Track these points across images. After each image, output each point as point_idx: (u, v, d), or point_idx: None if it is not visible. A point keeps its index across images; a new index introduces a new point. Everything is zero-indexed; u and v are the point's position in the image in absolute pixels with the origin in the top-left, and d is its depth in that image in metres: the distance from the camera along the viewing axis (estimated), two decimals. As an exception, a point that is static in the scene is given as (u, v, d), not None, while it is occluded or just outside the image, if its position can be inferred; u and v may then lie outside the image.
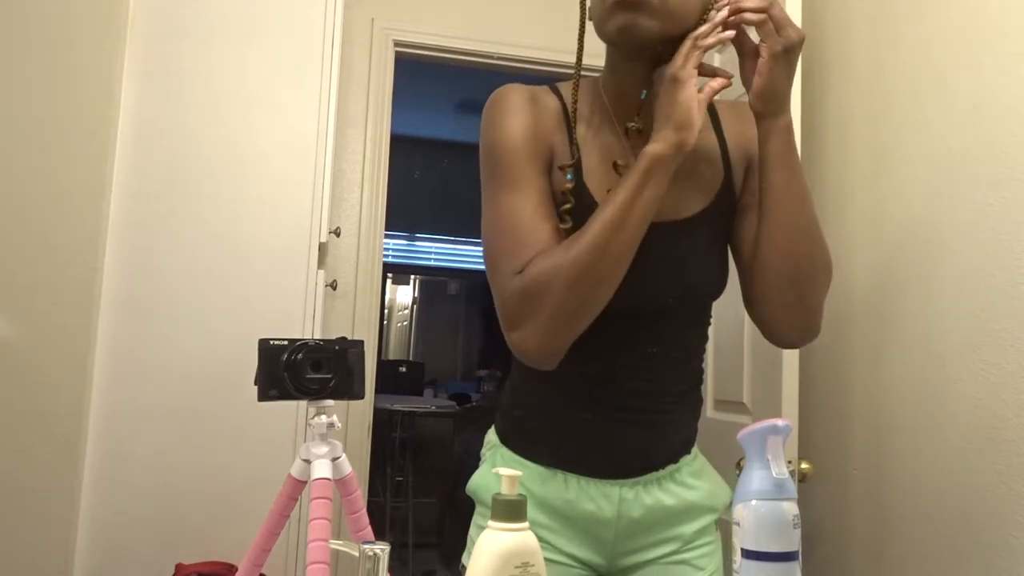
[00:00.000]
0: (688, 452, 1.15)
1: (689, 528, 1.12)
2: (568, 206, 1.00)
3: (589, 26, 1.08)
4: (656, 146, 0.93)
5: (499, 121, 1.03)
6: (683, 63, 0.94)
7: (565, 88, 1.10)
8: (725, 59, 1.87)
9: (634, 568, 1.12)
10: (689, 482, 1.13)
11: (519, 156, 1.01)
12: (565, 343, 0.95)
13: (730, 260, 1.12)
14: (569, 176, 1.01)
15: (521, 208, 0.99)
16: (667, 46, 0.97)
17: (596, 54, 1.13)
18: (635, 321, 1.04)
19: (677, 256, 1.04)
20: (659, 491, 1.11)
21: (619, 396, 1.07)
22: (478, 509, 1.15)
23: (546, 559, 1.05)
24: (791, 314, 1.02)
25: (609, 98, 1.08)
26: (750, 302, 1.06)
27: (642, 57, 1.01)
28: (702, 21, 0.97)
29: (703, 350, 1.16)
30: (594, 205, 0.98)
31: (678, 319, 1.08)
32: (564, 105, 1.07)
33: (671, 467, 1.12)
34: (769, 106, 0.99)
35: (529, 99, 1.06)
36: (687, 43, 0.95)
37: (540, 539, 1.05)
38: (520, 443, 1.13)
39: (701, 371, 1.17)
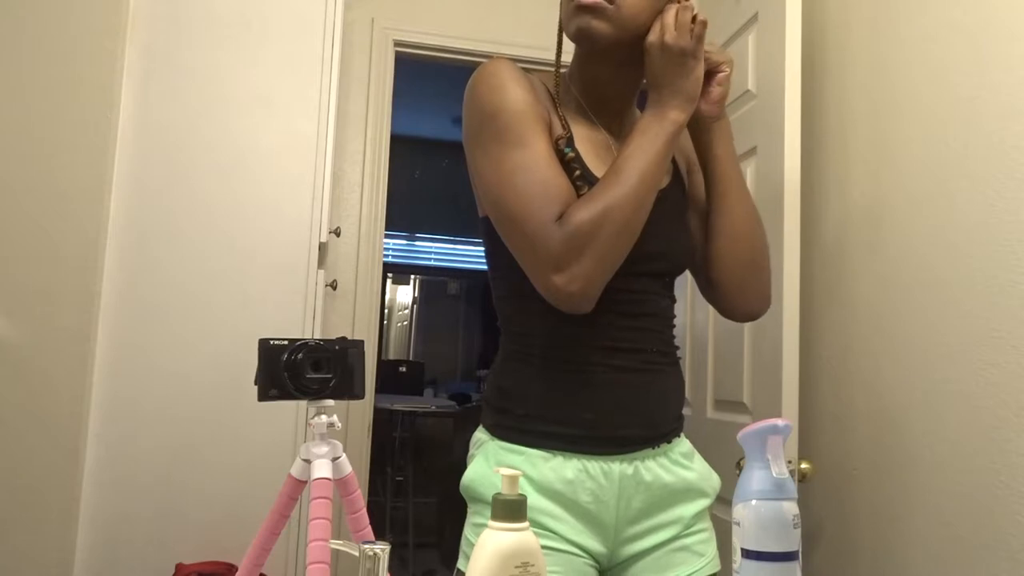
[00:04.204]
0: (678, 434, 1.17)
1: (687, 510, 1.13)
2: (579, 172, 1.06)
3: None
4: (677, 114, 1.05)
5: (501, 86, 1.07)
6: (696, 44, 1.06)
7: (537, 77, 1.18)
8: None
9: (635, 557, 1.12)
10: (683, 462, 1.15)
11: (527, 117, 1.05)
12: (602, 286, 1.01)
13: None
14: (568, 149, 1.08)
15: (538, 160, 1.03)
16: (622, 48, 1.09)
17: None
18: (625, 280, 1.07)
19: (659, 221, 1.10)
20: (657, 468, 1.12)
21: (613, 354, 1.09)
22: (472, 507, 1.13)
23: (550, 548, 1.06)
24: (754, 287, 1.18)
25: (578, 88, 1.17)
26: (712, 284, 1.19)
27: (603, 57, 1.12)
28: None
29: (672, 330, 1.20)
30: (593, 176, 1.07)
31: (659, 283, 1.15)
32: (547, 87, 1.16)
33: (665, 445, 1.14)
34: (723, 110, 1.16)
35: (522, 73, 1.11)
36: (698, 25, 1.06)
37: (543, 527, 1.07)
38: (513, 431, 1.11)
39: (676, 347, 1.20)
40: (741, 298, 1.19)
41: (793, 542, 0.79)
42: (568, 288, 0.98)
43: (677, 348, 1.20)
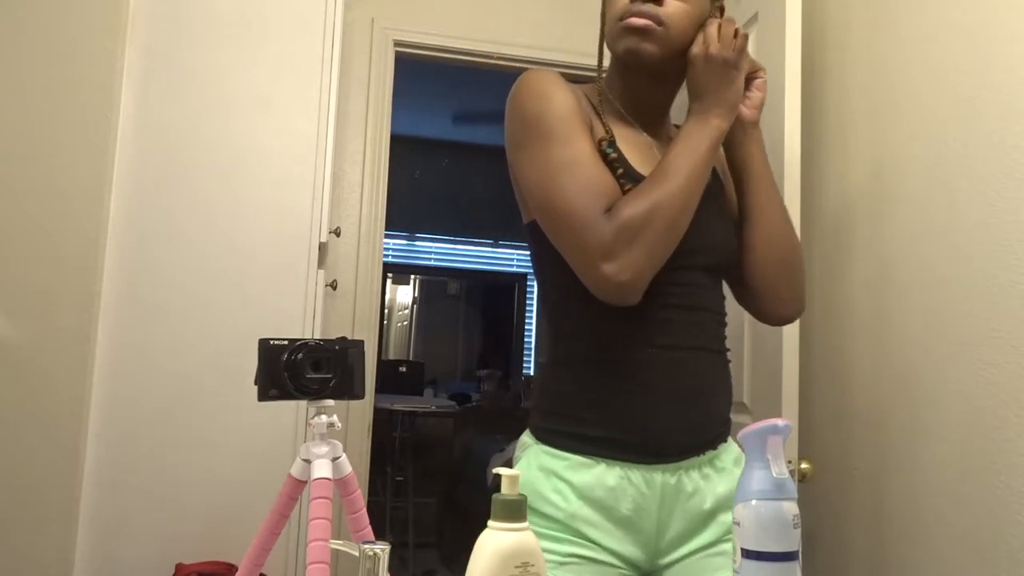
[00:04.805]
0: (725, 440, 1.17)
1: (728, 517, 1.11)
2: (621, 170, 1.09)
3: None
4: (720, 121, 1.09)
5: (546, 91, 1.10)
6: (739, 56, 1.10)
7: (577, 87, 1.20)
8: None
9: (673, 563, 1.11)
10: (730, 468, 1.14)
11: (572, 119, 1.08)
12: (650, 278, 1.03)
13: None
14: (609, 149, 1.10)
15: (583, 158, 1.05)
16: (666, 62, 1.12)
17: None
18: (674, 275, 1.09)
19: (704, 216, 1.11)
20: (700, 478, 1.11)
21: (666, 351, 1.10)
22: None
23: (588, 558, 1.07)
24: (789, 290, 1.20)
25: (616, 96, 1.20)
26: (747, 288, 1.21)
27: (646, 72, 1.15)
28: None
29: (724, 328, 1.21)
30: (637, 174, 1.09)
31: (708, 276, 1.16)
32: (587, 96, 1.18)
33: (711, 452, 1.12)
34: (760, 114, 1.21)
35: (564, 80, 1.14)
36: (739, 38, 1.10)
37: (583, 536, 1.07)
38: (558, 436, 1.11)
39: (726, 350, 1.20)
40: (776, 301, 1.20)
41: (793, 542, 0.79)
42: (618, 277, 0.99)
43: (728, 349, 1.20)
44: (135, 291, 2.18)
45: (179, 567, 2.09)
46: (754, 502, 0.79)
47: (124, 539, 2.12)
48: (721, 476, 1.12)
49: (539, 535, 1.07)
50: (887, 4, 1.82)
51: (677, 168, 1.04)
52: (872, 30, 1.87)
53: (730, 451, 1.16)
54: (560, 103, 1.09)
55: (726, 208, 1.23)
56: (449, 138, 5.93)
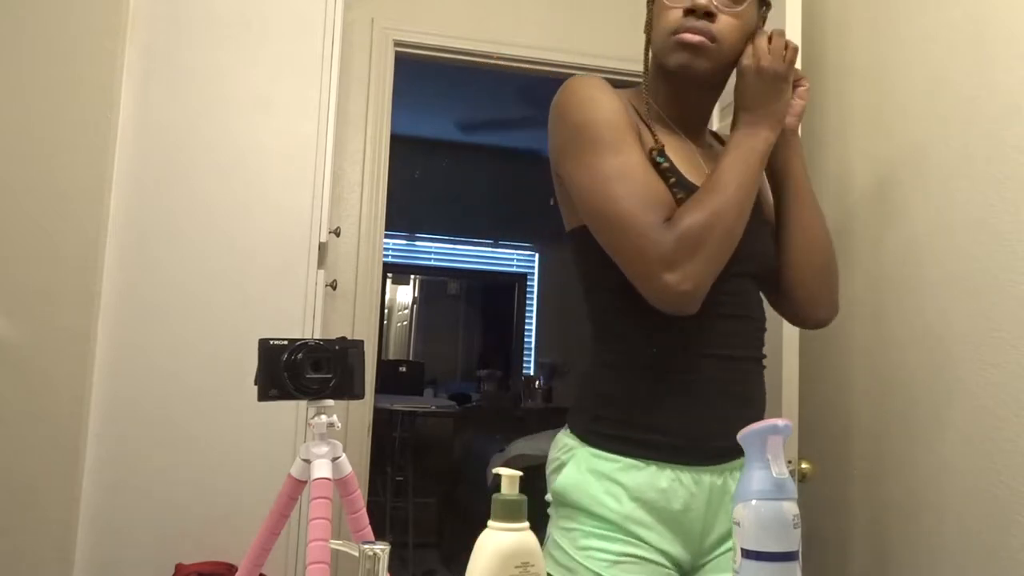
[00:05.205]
0: None
1: None
2: (673, 179, 1.10)
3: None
4: (769, 133, 1.11)
5: (590, 98, 1.10)
6: (789, 68, 1.12)
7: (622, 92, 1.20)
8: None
9: (712, 560, 1.14)
10: None
11: (621, 127, 1.09)
12: (709, 286, 1.05)
13: None
14: (660, 159, 1.10)
15: (636, 167, 1.06)
16: (717, 76, 1.15)
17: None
18: (727, 284, 1.10)
19: (754, 227, 1.13)
20: None
21: (717, 360, 1.11)
22: (563, 512, 1.14)
23: (639, 556, 1.08)
24: (827, 294, 1.23)
25: (659, 102, 1.19)
26: (785, 294, 1.23)
27: (695, 83, 1.16)
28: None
29: (765, 328, 1.22)
30: (688, 183, 1.10)
31: (752, 283, 1.17)
32: (631, 103, 1.17)
33: None
34: (799, 124, 1.22)
35: (610, 86, 1.14)
36: (790, 51, 1.12)
37: (634, 535, 1.08)
38: (608, 439, 1.12)
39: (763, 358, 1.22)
40: (813, 306, 1.23)
41: (793, 542, 0.79)
42: (680, 287, 1.01)
43: (765, 355, 1.21)
44: (135, 291, 2.18)
45: (179, 567, 2.09)
46: (754, 502, 0.79)
47: (124, 539, 2.12)
48: None
49: (593, 535, 1.08)
50: (887, 4, 1.82)
51: (728, 180, 1.05)
52: (872, 30, 1.87)
53: None
54: (608, 109, 1.09)
55: (765, 214, 1.24)
56: (449, 138, 5.93)
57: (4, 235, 2.08)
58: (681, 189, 1.09)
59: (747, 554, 0.78)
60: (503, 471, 0.75)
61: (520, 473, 0.76)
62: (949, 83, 1.61)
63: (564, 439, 1.18)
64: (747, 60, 1.11)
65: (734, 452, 1.09)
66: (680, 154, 1.15)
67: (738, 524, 0.80)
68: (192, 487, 2.16)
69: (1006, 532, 1.41)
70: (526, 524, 0.74)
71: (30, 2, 2.14)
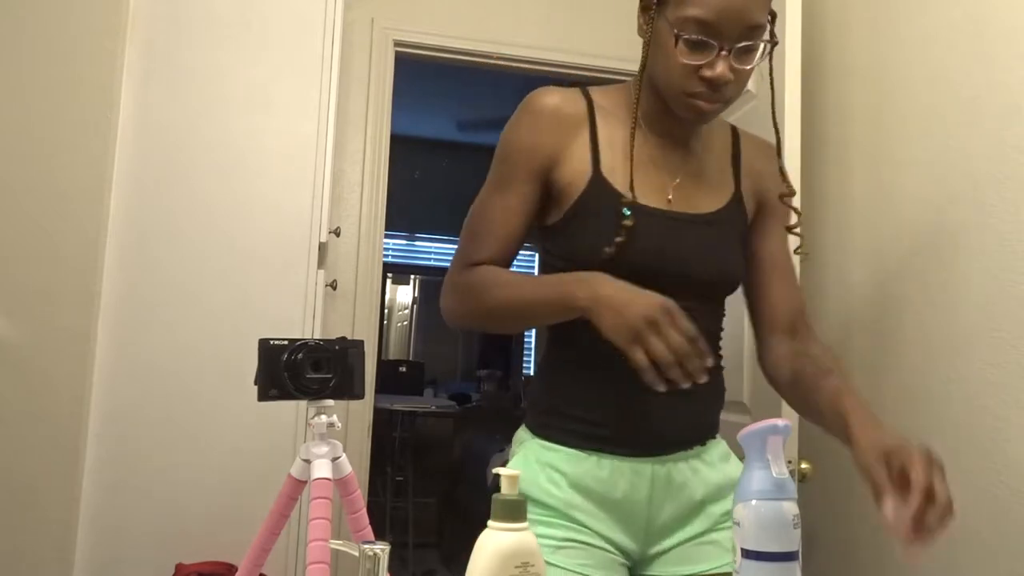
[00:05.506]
0: (714, 436, 1.20)
1: (717, 508, 1.16)
2: (621, 239, 1.08)
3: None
4: (584, 301, 1.01)
5: (515, 123, 1.16)
6: (670, 324, 0.97)
7: (596, 93, 1.19)
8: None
9: (664, 552, 1.15)
10: (717, 464, 1.17)
11: (514, 161, 1.15)
12: (460, 327, 1.22)
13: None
14: (626, 215, 1.09)
15: (496, 209, 1.16)
16: None
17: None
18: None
19: (700, 243, 1.13)
20: (688, 470, 1.15)
21: None
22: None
23: (581, 542, 1.10)
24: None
25: (643, 112, 1.17)
26: (764, 367, 1.23)
27: None
28: None
29: (721, 339, 1.22)
30: (615, 195, 1.10)
31: (697, 301, 1.14)
32: (591, 110, 1.16)
33: (699, 447, 1.16)
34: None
35: (554, 108, 1.14)
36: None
37: (575, 521, 1.11)
38: (553, 430, 1.16)
39: (720, 359, 1.22)
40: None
41: (793, 542, 0.79)
42: (443, 312, 1.21)
43: (721, 358, 1.21)
44: (135, 291, 2.18)
45: (179, 567, 2.09)
46: (754, 502, 0.79)
47: (124, 539, 2.12)
48: (711, 469, 1.17)
49: (537, 522, 1.10)
50: (887, 4, 1.82)
51: (507, 295, 1.10)
52: (872, 30, 1.87)
53: (717, 447, 1.20)
54: (517, 140, 1.15)
55: (732, 236, 1.18)
56: (449, 138, 5.93)
57: (4, 235, 2.08)
58: (602, 212, 1.09)
59: (747, 554, 0.78)
60: (503, 471, 0.75)
61: (520, 473, 0.76)
62: (949, 83, 1.61)
63: (519, 433, 1.23)
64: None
65: (677, 444, 1.14)
66: (650, 166, 1.15)
67: (738, 524, 0.80)
68: (192, 487, 2.16)
69: (1006, 532, 1.41)
70: (526, 524, 0.74)
71: (30, 2, 2.14)
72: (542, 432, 1.17)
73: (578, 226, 1.14)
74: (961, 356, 1.54)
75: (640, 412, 1.11)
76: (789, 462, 1.36)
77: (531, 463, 1.15)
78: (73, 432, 2.08)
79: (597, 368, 1.12)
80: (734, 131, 1.26)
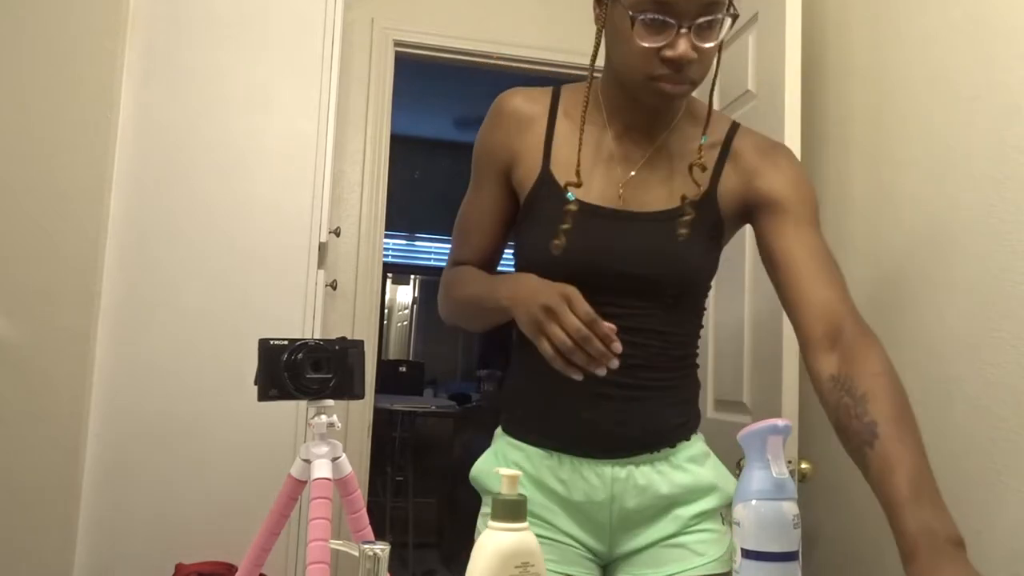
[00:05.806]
0: (687, 439, 1.17)
1: (686, 511, 1.14)
2: (567, 227, 1.11)
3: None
4: (505, 300, 1.07)
5: (483, 125, 1.22)
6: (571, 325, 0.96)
7: (566, 91, 1.22)
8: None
9: (632, 554, 1.15)
10: (686, 466, 1.15)
11: (481, 163, 1.22)
12: (451, 323, 1.30)
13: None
14: (570, 196, 1.12)
15: (474, 210, 1.24)
16: None
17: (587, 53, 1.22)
18: (605, 296, 1.07)
19: (645, 241, 1.11)
20: (653, 472, 1.13)
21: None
22: (483, 498, 1.21)
23: (545, 537, 1.10)
24: None
25: (606, 105, 1.18)
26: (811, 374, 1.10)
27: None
28: None
29: (688, 341, 1.19)
30: (561, 189, 1.12)
31: (646, 300, 1.12)
32: (553, 108, 1.19)
33: (667, 450, 1.14)
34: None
35: (513, 109, 1.18)
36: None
37: (539, 517, 1.12)
38: (518, 428, 1.19)
39: (688, 361, 1.19)
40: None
41: (793, 542, 0.79)
42: (439, 308, 1.29)
43: (691, 362, 1.19)
44: (135, 291, 2.18)
45: (179, 567, 2.09)
46: (754, 502, 0.79)
47: (124, 539, 2.12)
48: (678, 472, 1.14)
49: None
50: (887, 4, 1.82)
51: (464, 294, 1.21)
52: (872, 30, 1.87)
53: (688, 449, 1.16)
54: (481, 142, 1.21)
55: (692, 234, 1.12)
56: (449, 138, 5.93)
57: (4, 235, 2.08)
58: (550, 201, 1.12)
59: (747, 554, 0.78)
60: (503, 471, 0.75)
61: (520, 473, 0.76)
62: (949, 83, 1.61)
63: (497, 429, 1.25)
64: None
65: (634, 446, 1.12)
66: (609, 162, 1.14)
67: (738, 524, 0.80)
68: (192, 487, 2.16)
69: (1006, 532, 1.41)
70: (526, 524, 0.74)
71: (30, 2, 2.14)
72: (509, 429, 1.20)
73: (528, 224, 1.16)
74: (961, 356, 1.54)
75: (591, 415, 1.11)
76: (789, 462, 1.36)
77: (499, 459, 1.18)
78: (73, 432, 2.08)
79: (548, 376, 1.07)
80: (733, 127, 1.21)
